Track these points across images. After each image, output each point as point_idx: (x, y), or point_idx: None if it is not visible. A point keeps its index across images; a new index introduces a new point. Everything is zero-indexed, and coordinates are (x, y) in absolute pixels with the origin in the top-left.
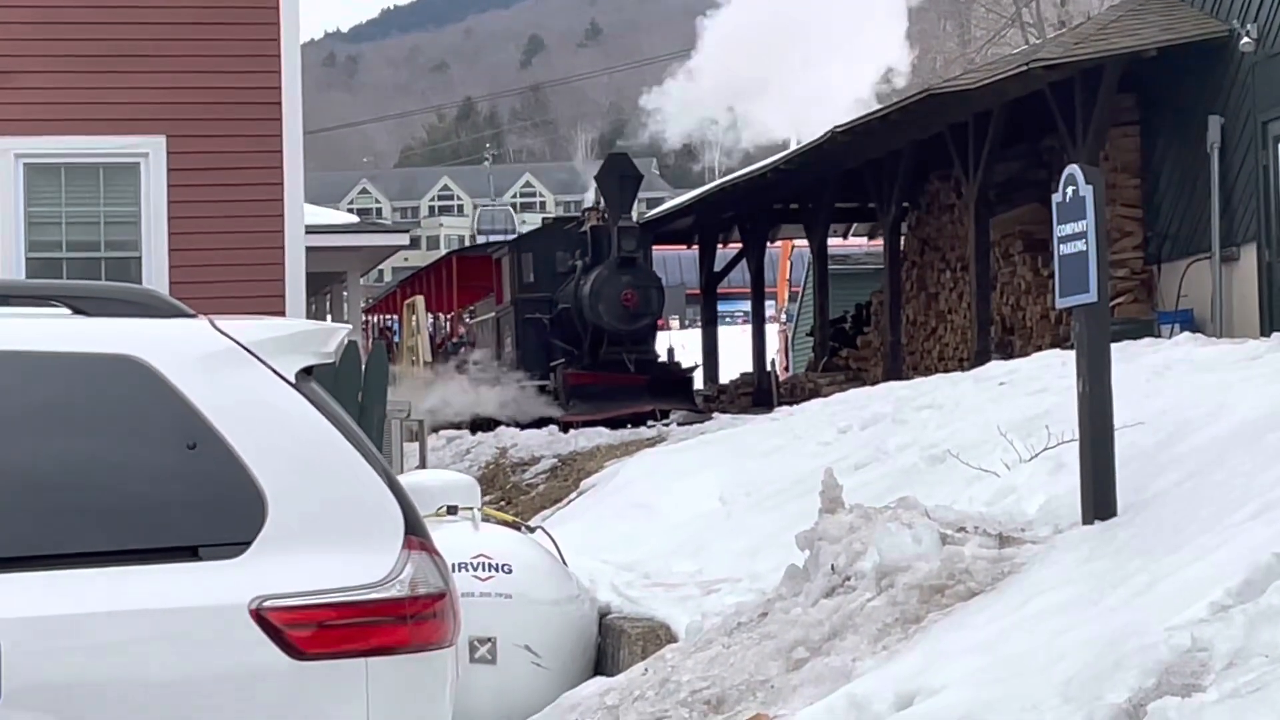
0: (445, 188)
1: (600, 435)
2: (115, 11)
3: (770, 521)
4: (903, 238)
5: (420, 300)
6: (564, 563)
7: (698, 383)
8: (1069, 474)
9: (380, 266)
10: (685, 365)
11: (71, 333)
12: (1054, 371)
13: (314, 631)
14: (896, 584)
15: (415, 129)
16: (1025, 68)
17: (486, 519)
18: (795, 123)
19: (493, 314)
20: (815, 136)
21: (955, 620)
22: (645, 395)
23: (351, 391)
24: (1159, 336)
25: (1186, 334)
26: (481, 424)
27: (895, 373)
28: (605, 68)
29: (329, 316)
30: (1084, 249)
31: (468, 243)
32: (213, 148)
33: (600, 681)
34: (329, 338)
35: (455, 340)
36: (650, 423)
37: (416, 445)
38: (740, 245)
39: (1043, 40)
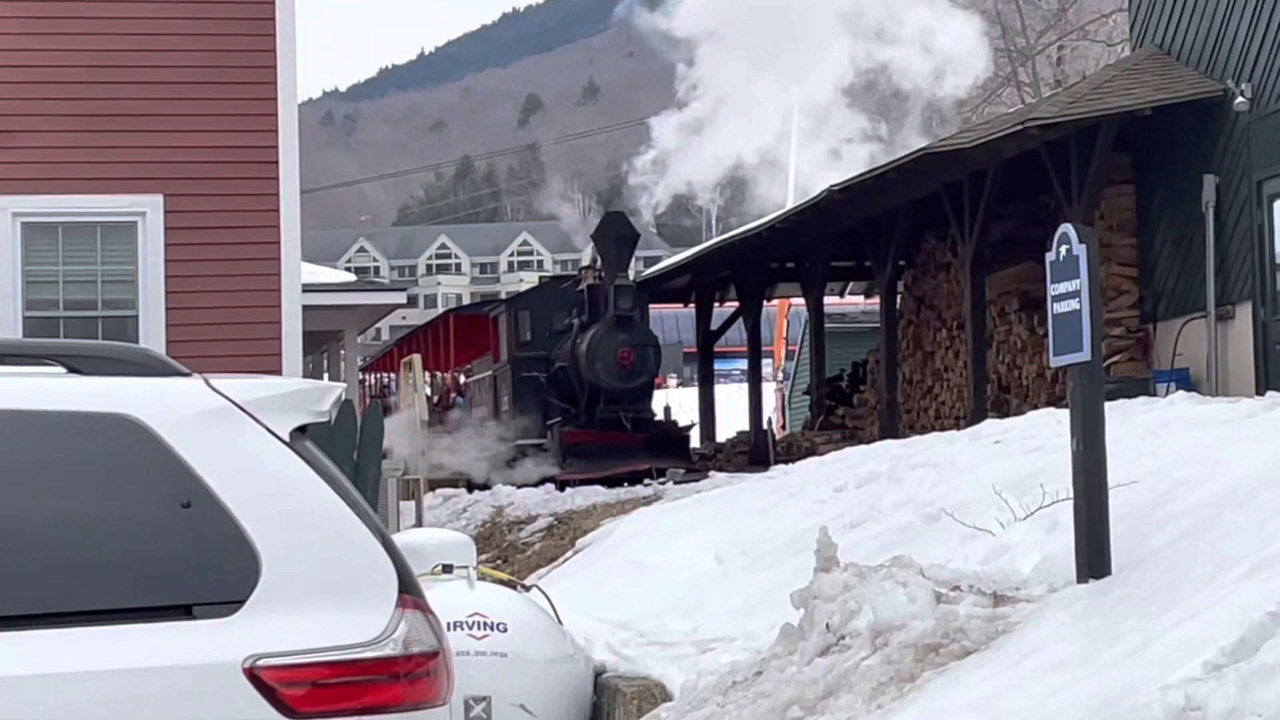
0: (443, 246)
1: (597, 493)
2: (113, 71)
3: (766, 580)
4: (899, 296)
5: (418, 359)
6: (559, 621)
7: (694, 441)
8: (1064, 533)
9: (378, 325)
10: (682, 424)
11: (67, 391)
12: (1049, 430)
13: (308, 690)
14: (891, 643)
15: (413, 187)
16: (1021, 127)
17: (482, 577)
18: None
19: (490, 372)
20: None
21: (950, 679)
22: (642, 454)
23: (347, 450)
24: (1154, 395)
25: (1182, 393)
26: (478, 482)
27: (891, 431)
28: (603, 126)
29: (326, 375)
30: (1078, 307)
31: (465, 301)
32: (210, 206)
33: None
34: (324, 396)
35: (454, 398)
36: (647, 481)
37: (413, 503)
38: (737, 304)
39: (1038, 99)
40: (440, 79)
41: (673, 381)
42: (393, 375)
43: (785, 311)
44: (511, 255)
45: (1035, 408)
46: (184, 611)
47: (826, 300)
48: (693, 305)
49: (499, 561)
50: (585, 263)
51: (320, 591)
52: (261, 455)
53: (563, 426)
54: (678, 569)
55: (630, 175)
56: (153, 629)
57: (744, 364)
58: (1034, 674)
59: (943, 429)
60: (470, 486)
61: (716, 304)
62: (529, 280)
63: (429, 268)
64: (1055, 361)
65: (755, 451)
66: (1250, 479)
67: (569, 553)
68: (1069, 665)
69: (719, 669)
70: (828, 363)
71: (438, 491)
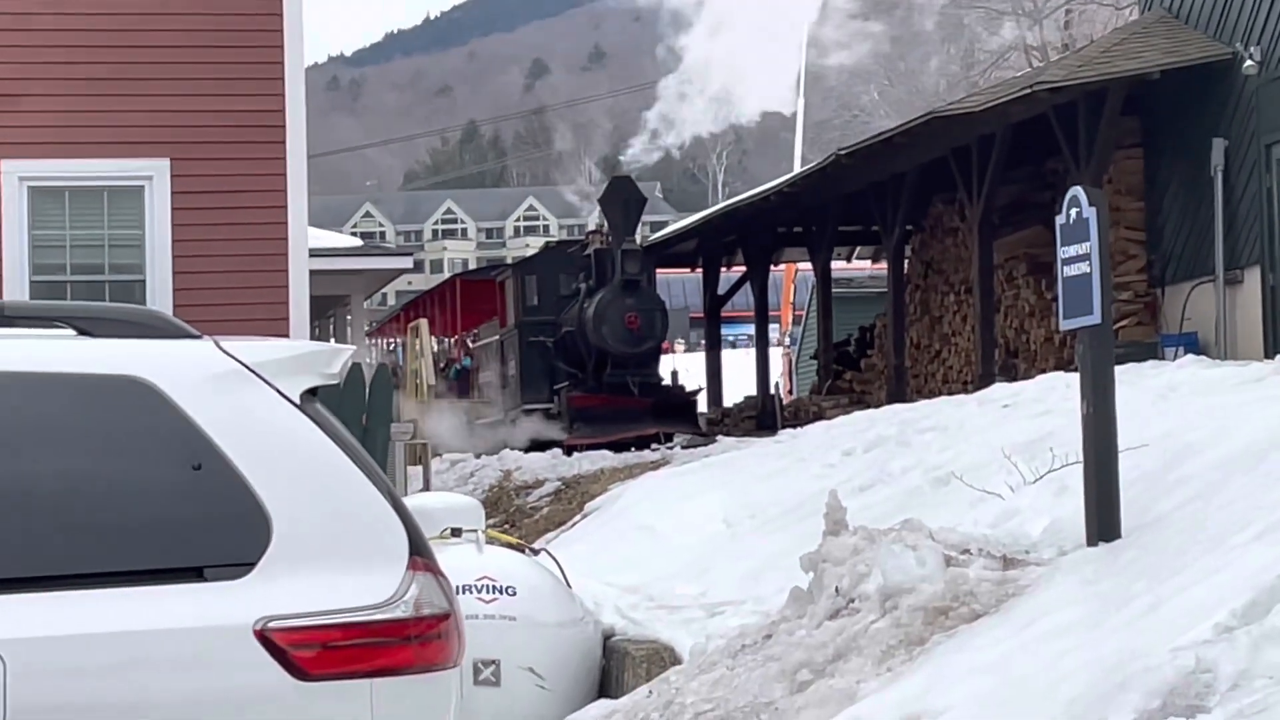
0: (449, 211)
1: (604, 458)
2: (120, 35)
3: (774, 544)
4: (906, 261)
5: (424, 323)
6: (568, 585)
7: (701, 406)
8: (1073, 496)
9: (384, 290)
10: (689, 388)
11: (77, 354)
12: (1058, 394)
13: (319, 652)
14: (900, 606)
15: (419, 152)
16: (1029, 90)
17: (490, 541)
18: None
19: (496, 337)
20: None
21: (959, 642)
22: (649, 418)
23: (356, 413)
24: (1163, 359)
25: (1190, 357)
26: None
27: (899, 395)
28: (609, 91)
29: (333, 339)
30: (1087, 271)
31: (471, 266)
32: (217, 171)
33: (604, 704)
34: (333, 359)
35: (459, 365)
36: (654, 446)
37: (420, 468)
38: (744, 268)
39: (1046, 63)
40: (446, 44)
41: (680, 346)
42: (399, 340)
43: (792, 276)
44: (518, 220)
45: (1043, 372)
46: (195, 574)
47: (834, 265)
48: (699, 270)
49: (507, 525)
50: (592, 227)
51: (331, 554)
52: (272, 417)
53: (570, 391)
54: (686, 533)
55: (637, 139)
56: (164, 591)
57: (751, 329)
58: (1043, 637)
59: (951, 393)
60: (477, 451)
61: (723, 268)
62: (535, 245)
63: (435, 233)
64: (1065, 325)
65: (763, 416)
66: (1260, 442)
67: (577, 517)
68: (1079, 628)
69: (728, 632)
70: (835, 327)
71: (445, 456)
